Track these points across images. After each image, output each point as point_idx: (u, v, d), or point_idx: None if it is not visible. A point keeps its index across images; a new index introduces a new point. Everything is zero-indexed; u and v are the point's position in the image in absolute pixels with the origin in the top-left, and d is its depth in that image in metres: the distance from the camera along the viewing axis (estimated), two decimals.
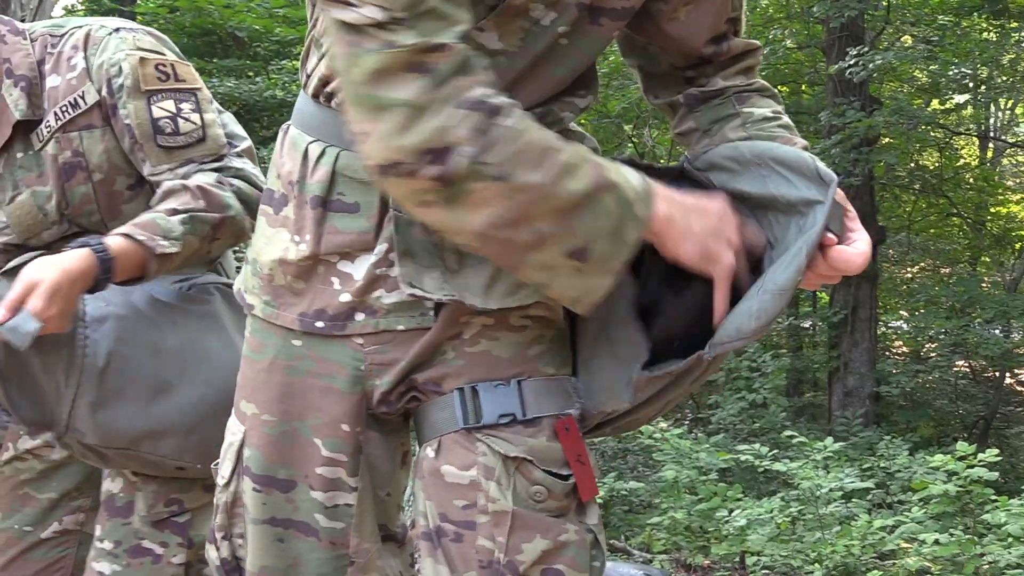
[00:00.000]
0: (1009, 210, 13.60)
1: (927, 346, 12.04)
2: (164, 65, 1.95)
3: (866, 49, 9.10)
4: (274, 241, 1.40)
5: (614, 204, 1.18)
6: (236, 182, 1.93)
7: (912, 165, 11.99)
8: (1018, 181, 14.92)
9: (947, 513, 5.10)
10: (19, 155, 2.01)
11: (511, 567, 1.28)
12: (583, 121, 8.65)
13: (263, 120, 9.91)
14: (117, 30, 1.99)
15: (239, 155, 2.00)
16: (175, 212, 1.84)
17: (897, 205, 12.57)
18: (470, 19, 1.15)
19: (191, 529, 2.01)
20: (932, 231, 13.18)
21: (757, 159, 1.34)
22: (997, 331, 10.97)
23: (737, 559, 5.34)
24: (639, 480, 6.94)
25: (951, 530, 4.84)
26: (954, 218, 12.81)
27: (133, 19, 5.87)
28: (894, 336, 12.75)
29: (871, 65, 8.76)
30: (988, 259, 13.10)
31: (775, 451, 6.25)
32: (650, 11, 1.41)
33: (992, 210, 12.98)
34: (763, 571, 5.15)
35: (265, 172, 1.65)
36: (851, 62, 8.82)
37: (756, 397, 8.76)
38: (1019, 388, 12.63)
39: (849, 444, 7.68)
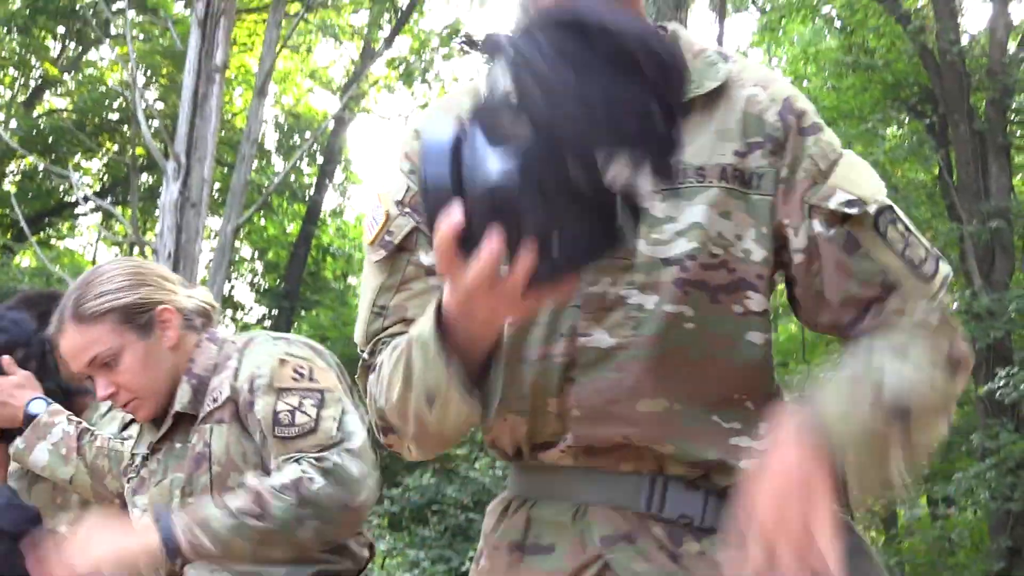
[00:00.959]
0: None
1: None
2: (302, 367, 2.12)
3: (1015, 370, 8.93)
4: None
5: None
6: (319, 481, 1.98)
7: None
8: None
9: None
10: (177, 445, 2.20)
11: None
12: None
13: None
14: (277, 339, 2.20)
15: (347, 451, 2.04)
16: (230, 514, 1.96)
17: None
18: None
19: None
20: None
21: None
22: None
23: None
24: None
25: None
26: None
27: None
28: None
29: (1022, 386, 8.57)
30: None
31: None
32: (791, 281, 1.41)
33: None
34: None
35: None
36: (1001, 383, 8.65)
37: None
38: None
39: None
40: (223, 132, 13.59)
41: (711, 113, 1.37)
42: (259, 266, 20.96)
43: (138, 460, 2.26)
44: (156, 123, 10.91)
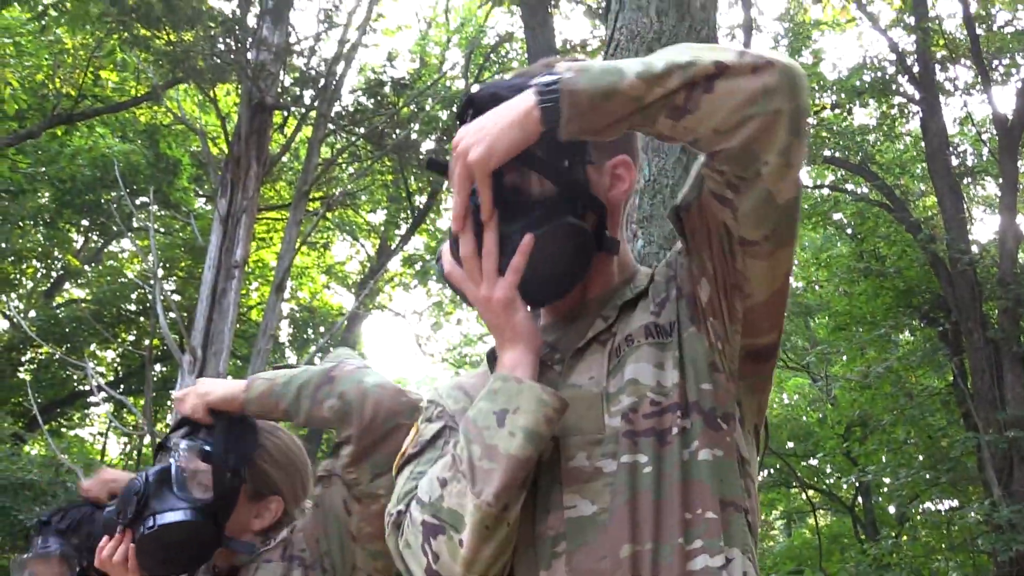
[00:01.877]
0: None
1: None
2: None
3: None
4: None
5: None
6: None
7: None
8: None
9: None
10: None
11: None
12: None
13: None
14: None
15: None
16: None
17: None
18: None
19: None
20: None
21: None
22: None
23: None
24: None
25: None
26: None
27: None
28: None
29: None
30: None
31: None
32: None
33: None
34: None
35: None
36: None
37: None
38: None
39: None
40: (238, 325, 13.70)
41: (643, 301, 1.67)
42: None
43: None
44: (173, 315, 11.00)
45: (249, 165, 10.85)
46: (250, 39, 11.43)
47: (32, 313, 17.75)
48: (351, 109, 13.03)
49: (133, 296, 17.59)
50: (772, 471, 19.15)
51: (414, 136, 13.45)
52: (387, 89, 12.99)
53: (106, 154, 15.27)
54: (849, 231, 15.70)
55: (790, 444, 19.56)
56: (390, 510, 1.60)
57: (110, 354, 19.25)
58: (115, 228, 16.75)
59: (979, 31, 14.31)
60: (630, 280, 1.73)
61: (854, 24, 17.15)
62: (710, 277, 1.58)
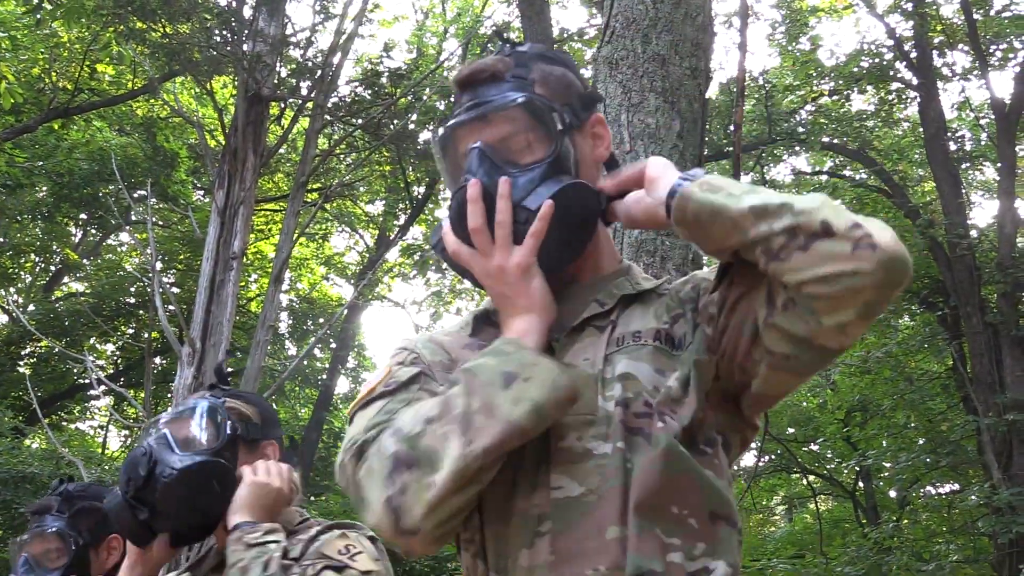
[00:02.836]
0: None
1: None
2: (353, 547, 2.28)
3: None
4: None
5: None
6: None
7: None
8: None
9: None
10: None
11: None
12: None
13: None
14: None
15: None
16: None
17: None
18: None
19: None
20: None
21: None
22: None
23: None
24: None
25: None
26: None
27: None
28: None
29: None
30: None
31: None
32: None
33: None
34: None
35: None
36: None
37: None
38: None
39: None
40: (237, 317, 13.70)
41: (649, 304, 1.68)
42: None
43: None
44: (172, 307, 11.00)
45: (246, 157, 10.84)
46: (246, 31, 11.41)
47: (31, 307, 17.74)
48: (348, 100, 13.01)
49: (132, 289, 17.59)
50: (773, 457, 19.17)
51: (412, 126, 13.43)
52: (384, 80, 12.96)
53: (103, 147, 15.25)
54: None
55: (791, 430, 19.56)
56: (354, 438, 1.54)
57: (110, 347, 19.27)
58: (113, 221, 16.74)
59: (976, 16, 14.28)
60: (625, 272, 1.75)
61: (852, 11, 17.12)
62: (724, 333, 1.58)
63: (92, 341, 18.11)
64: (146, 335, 14.79)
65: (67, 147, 15.59)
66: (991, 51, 14.77)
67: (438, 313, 21.47)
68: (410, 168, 15.67)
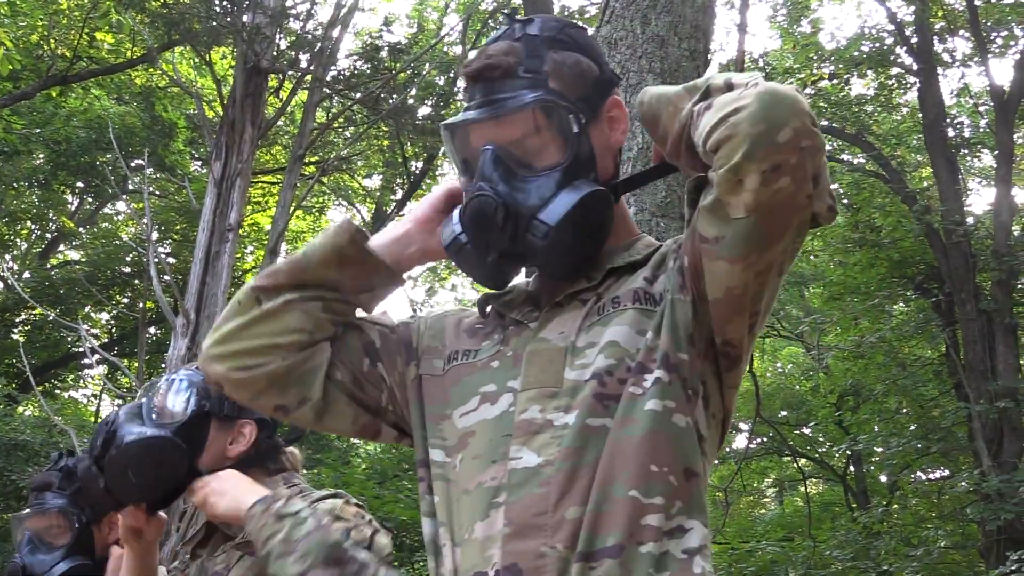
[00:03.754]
0: None
1: None
2: (363, 513, 2.26)
3: None
4: None
5: None
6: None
7: None
8: None
9: None
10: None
11: None
12: None
13: None
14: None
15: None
16: None
17: None
18: None
19: None
20: None
21: None
22: None
23: None
24: None
25: None
26: None
27: None
28: None
29: None
30: None
31: None
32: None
33: None
34: None
35: None
36: (1013, 567, 8.46)
37: None
38: None
39: None
40: (232, 289, 13.71)
41: (640, 271, 1.67)
42: None
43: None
44: (167, 278, 10.99)
45: (244, 128, 10.82)
46: (246, 2, 11.37)
47: (26, 275, 17.72)
48: (347, 74, 12.98)
49: (127, 259, 17.57)
50: (764, 439, 19.23)
51: (410, 101, 13.41)
52: (384, 54, 12.94)
53: (101, 116, 15.21)
54: (845, 201, 15.66)
55: (783, 413, 19.62)
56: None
57: (104, 316, 19.25)
58: (110, 190, 16.70)
59: (978, 2, 14.24)
60: (629, 247, 1.73)
61: None
62: (688, 251, 1.58)
63: (87, 310, 18.11)
64: (141, 305, 14.79)
65: (65, 115, 15.54)
66: (992, 38, 14.74)
67: (433, 289, 21.49)
68: (408, 143, 15.64)
